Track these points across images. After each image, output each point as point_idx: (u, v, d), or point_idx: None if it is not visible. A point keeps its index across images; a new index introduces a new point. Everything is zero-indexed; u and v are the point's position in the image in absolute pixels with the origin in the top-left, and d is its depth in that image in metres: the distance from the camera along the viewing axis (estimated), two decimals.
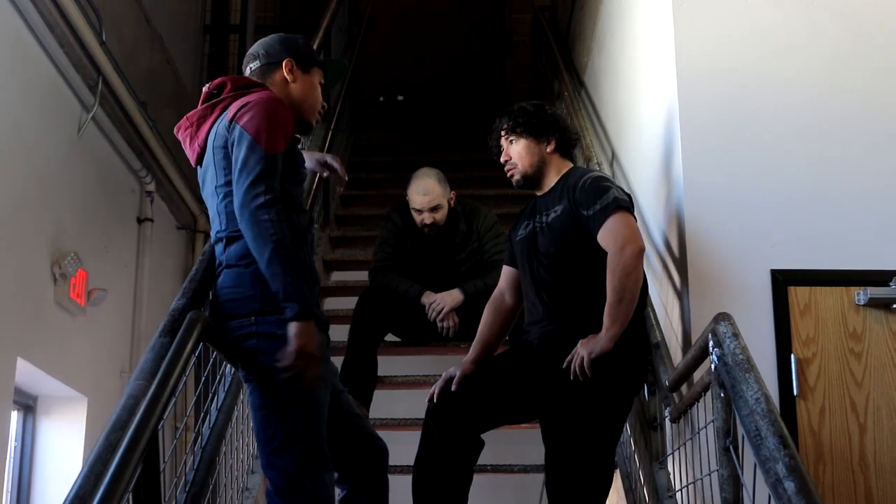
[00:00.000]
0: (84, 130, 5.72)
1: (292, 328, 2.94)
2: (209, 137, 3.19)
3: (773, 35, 4.22)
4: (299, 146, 3.32)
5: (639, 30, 5.03)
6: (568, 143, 3.98)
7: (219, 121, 3.17)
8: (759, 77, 4.18)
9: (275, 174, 3.03)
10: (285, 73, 3.31)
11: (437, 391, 3.81)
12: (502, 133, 3.95)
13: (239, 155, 3.03)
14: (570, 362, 3.54)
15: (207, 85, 3.29)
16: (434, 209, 5.15)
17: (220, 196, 3.14)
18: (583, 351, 3.52)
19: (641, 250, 3.59)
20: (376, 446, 3.39)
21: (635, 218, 3.72)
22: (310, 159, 3.66)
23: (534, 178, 3.91)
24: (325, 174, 3.78)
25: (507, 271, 4.07)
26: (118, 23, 6.22)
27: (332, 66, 3.61)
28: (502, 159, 3.95)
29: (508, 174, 3.95)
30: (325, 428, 3.07)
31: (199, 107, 3.26)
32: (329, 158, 3.69)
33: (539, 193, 3.94)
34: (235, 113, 3.09)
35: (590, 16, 6.72)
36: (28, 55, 5.15)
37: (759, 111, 4.14)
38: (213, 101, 3.23)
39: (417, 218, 5.19)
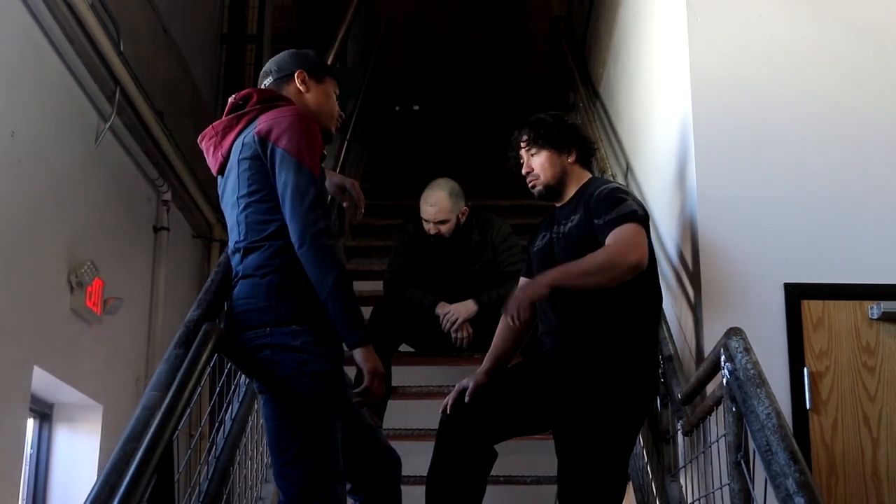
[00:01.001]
0: (101, 140, 5.75)
1: (361, 353, 3.08)
2: (233, 148, 3.21)
3: (787, 47, 4.23)
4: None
5: (654, 41, 5.04)
6: (587, 153, 4.00)
7: (244, 133, 3.18)
8: (773, 89, 4.18)
9: (326, 196, 3.11)
10: (298, 84, 3.33)
11: (450, 402, 3.82)
12: (523, 145, 3.96)
13: (288, 179, 3.05)
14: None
15: (234, 95, 3.31)
16: (440, 222, 5.17)
17: (241, 207, 3.16)
18: (523, 294, 3.57)
19: (640, 265, 3.53)
20: (389, 457, 3.40)
21: (648, 234, 3.73)
22: (328, 181, 3.64)
23: (556, 188, 3.91)
24: (343, 203, 3.81)
25: (523, 283, 4.08)
26: (135, 33, 6.26)
27: (345, 75, 3.63)
28: (524, 171, 3.96)
29: (531, 185, 3.95)
30: (338, 440, 3.08)
31: (224, 117, 3.28)
32: (349, 185, 3.69)
33: (558, 204, 3.95)
34: (268, 131, 3.10)
35: (605, 27, 6.73)
36: (46, 65, 5.19)
37: (774, 124, 4.14)
38: (239, 112, 3.25)
39: (424, 226, 5.21)
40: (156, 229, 6.74)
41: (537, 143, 3.91)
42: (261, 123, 3.14)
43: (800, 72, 4.20)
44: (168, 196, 6.77)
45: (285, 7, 10.35)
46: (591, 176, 3.98)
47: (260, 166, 3.11)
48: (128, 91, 5.82)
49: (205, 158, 3.36)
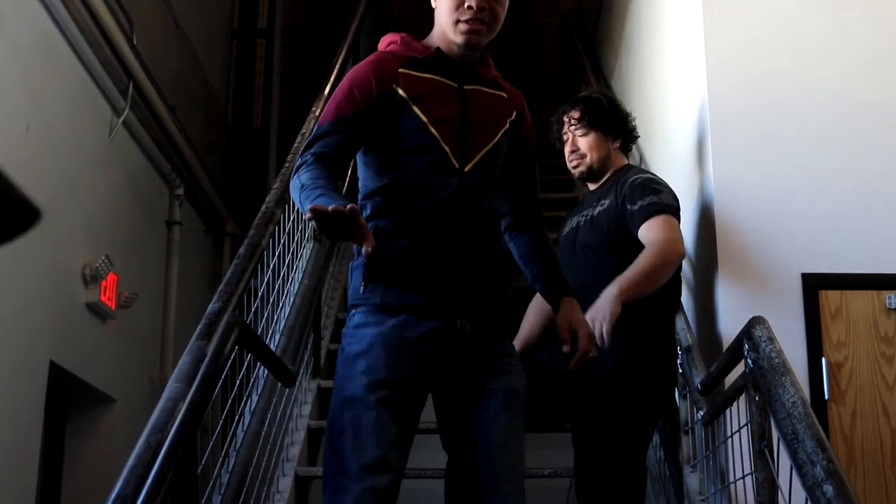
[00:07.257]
0: (115, 134, 5.76)
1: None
2: None
3: (804, 34, 4.20)
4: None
5: (668, 32, 5.02)
6: (630, 141, 3.99)
7: None
8: (790, 78, 4.16)
9: (320, 137, 2.73)
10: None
11: None
12: (573, 122, 3.89)
13: None
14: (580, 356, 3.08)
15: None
16: None
17: None
18: (597, 319, 3.28)
19: (681, 255, 3.61)
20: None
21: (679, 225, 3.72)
22: (563, 320, 2.97)
23: (598, 172, 3.90)
24: (564, 348, 2.95)
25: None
26: (148, 26, 6.27)
27: None
28: (569, 149, 3.90)
29: (573, 164, 3.91)
30: (377, 429, 2.61)
31: None
32: (583, 333, 2.96)
33: (592, 188, 3.94)
34: None
35: (617, 18, 6.71)
36: (60, 59, 5.19)
37: (791, 113, 4.12)
38: None
39: None
40: (168, 224, 6.74)
41: (588, 123, 3.87)
42: None
43: (817, 59, 4.18)
44: (181, 191, 6.77)
45: (296, 0, 10.31)
46: (627, 162, 3.98)
47: None
48: (141, 85, 5.83)
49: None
